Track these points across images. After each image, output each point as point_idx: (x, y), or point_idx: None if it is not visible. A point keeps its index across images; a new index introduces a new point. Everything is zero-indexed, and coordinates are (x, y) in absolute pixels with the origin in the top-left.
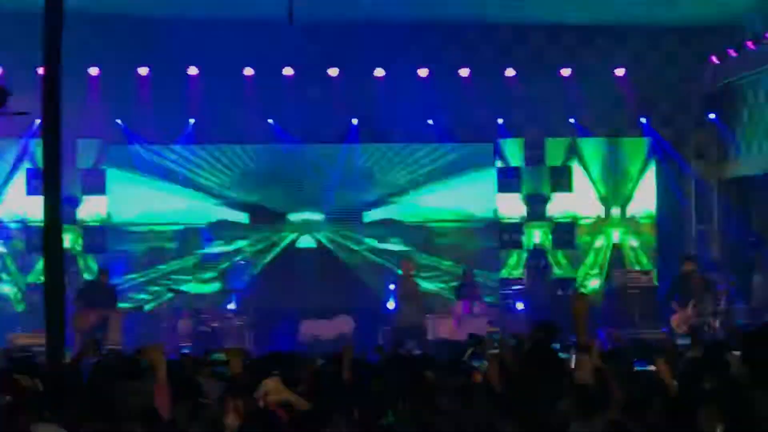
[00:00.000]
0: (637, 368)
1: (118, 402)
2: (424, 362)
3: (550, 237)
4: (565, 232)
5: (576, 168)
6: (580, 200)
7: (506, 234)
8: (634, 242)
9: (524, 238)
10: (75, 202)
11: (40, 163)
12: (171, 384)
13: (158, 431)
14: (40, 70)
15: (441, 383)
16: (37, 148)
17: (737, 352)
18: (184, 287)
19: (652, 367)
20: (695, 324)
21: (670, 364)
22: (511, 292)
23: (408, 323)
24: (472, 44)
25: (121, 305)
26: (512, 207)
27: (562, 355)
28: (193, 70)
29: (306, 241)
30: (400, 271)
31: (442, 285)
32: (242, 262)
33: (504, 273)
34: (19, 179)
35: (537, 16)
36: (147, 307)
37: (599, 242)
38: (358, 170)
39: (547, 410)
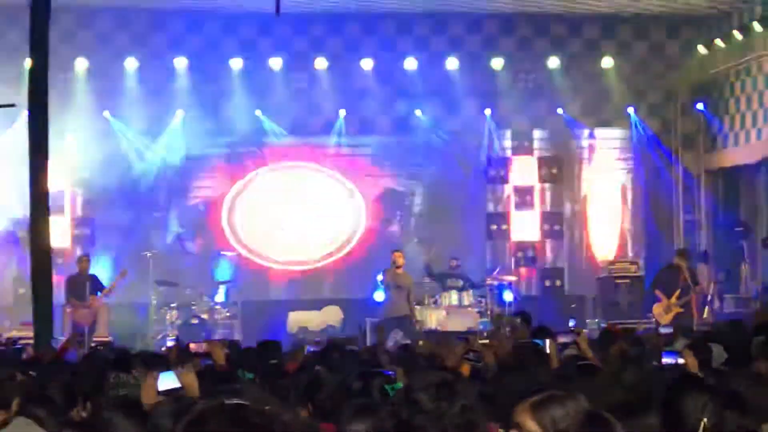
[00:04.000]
0: (664, 359)
1: (105, 392)
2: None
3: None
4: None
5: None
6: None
7: (493, 224)
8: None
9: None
10: None
11: None
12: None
13: (138, 422)
14: (27, 62)
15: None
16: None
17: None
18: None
19: (680, 360)
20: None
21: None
22: (499, 282)
23: (396, 313)
24: (459, 35)
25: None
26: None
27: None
28: (180, 62)
29: None
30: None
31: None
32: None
33: (492, 263)
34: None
35: (523, 7)
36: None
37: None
38: None
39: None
